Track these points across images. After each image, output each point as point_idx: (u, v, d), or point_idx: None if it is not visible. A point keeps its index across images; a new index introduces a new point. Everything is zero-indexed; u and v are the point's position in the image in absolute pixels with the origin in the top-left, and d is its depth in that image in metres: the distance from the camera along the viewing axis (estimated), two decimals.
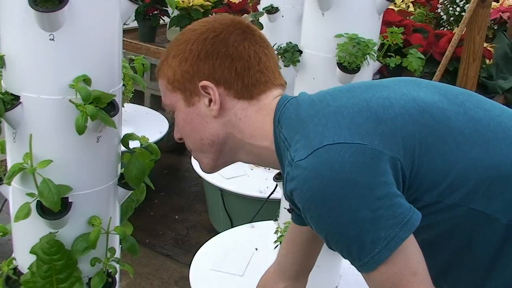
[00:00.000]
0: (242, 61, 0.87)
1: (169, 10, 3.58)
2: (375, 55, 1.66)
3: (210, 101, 0.87)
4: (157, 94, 3.45)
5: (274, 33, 2.46)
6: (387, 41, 1.72)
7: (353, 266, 0.81)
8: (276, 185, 1.87)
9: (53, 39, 0.94)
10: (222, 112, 0.88)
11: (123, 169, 1.10)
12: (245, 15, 2.66)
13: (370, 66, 1.70)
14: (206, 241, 2.21)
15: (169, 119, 3.18)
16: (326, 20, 1.64)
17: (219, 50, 0.86)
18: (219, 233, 2.37)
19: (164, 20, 3.80)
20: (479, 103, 0.88)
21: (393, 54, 1.74)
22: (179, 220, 3.12)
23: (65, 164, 1.01)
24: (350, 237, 0.75)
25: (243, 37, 0.88)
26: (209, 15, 3.39)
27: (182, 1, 3.42)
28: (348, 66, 1.63)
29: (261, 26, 2.44)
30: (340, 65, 1.64)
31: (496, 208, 0.80)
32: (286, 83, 0.96)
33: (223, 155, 0.93)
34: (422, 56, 1.73)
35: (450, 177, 0.79)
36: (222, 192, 2.64)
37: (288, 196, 0.82)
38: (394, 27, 1.73)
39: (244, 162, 0.97)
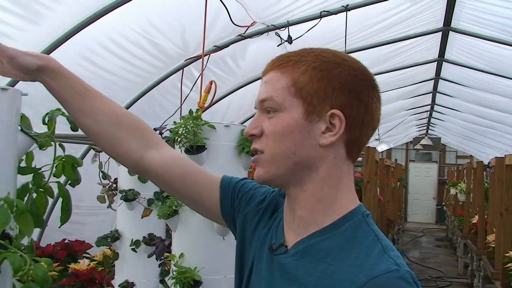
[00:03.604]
0: (372, 119, 0.87)
1: None
2: None
3: (327, 129, 0.84)
4: None
5: None
6: None
7: None
8: None
9: None
10: (328, 146, 0.85)
11: None
12: None
13: None
14: None
15: None
16: None
17: (362, 91, 0.85)
18: None
19: None
20: None
21: None
22: None
23: None
24: None
25: (379, 102, 0.89)
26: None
27: None
28: None
29: None
30: None
31: None
32: None
33: (288, 177, 0.87)
34: None
35: None
36: None
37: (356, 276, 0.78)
38: None
39: (287, 196, 0.91)
